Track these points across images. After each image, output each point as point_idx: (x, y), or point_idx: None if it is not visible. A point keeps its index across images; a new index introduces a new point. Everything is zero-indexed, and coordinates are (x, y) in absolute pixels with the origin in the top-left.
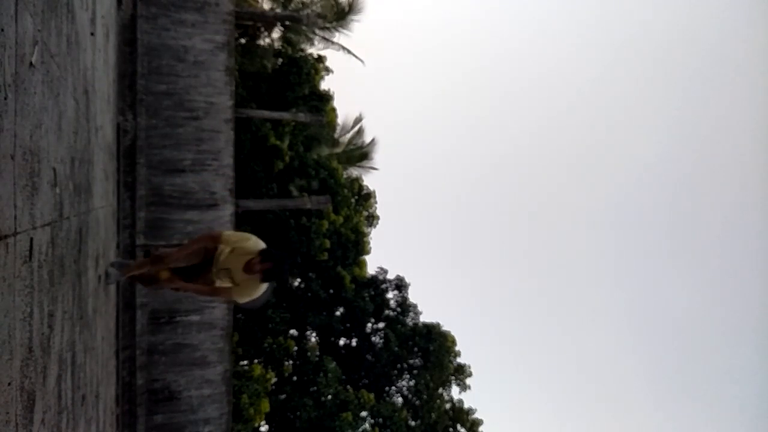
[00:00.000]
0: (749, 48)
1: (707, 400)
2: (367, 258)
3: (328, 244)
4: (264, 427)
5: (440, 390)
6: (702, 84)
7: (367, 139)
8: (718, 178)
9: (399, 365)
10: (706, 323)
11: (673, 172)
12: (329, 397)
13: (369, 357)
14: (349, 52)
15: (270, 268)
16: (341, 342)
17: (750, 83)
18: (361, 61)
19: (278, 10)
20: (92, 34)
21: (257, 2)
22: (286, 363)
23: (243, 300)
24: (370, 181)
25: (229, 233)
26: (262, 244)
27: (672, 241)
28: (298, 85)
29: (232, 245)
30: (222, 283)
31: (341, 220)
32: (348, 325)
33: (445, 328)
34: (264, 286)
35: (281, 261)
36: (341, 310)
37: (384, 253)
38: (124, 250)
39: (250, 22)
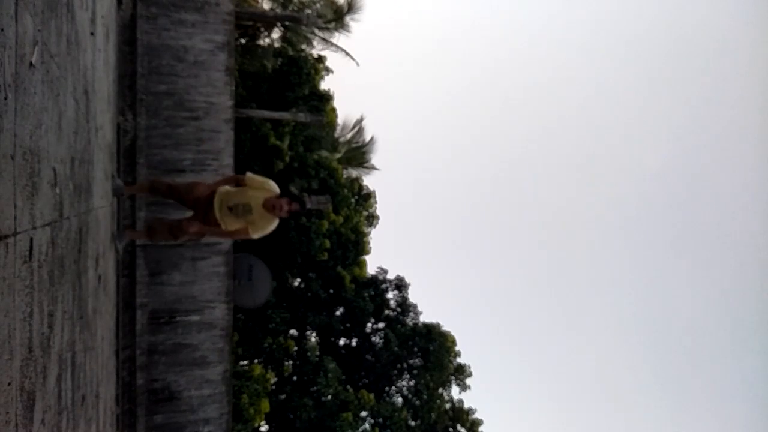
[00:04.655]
0: (755, 51)
1: (709, 401)
2: (367, 258)
3: (328, 244)
4: (264, 427)
5: (440, 390)
6: (708, 89)
7: (367, 139)
8: (723, 183)
9: (399, 365)
10: (709, 324)
11: (678, 175)
12: (329, 397)
13: (369, 357)
14: (346, 53)
15: (297, 210)
16: (341, 342)
17: (756, 87)
18: (356, 62)
19: (278, 10)
20: (92, 34)
21: (257, 2)
22: (286, 363)
23: (257, 235)
24: (370, 181)
25: (253, 175)
26: (277, 188)
27: (675, 241)
28: (298, 85)
29: (256, 186)
30: (225, 220)
31: (341, 220)
32: (348, 325)
33: (445, 328)
34: (276, 223)
35: (304, 204)
36: (341, 310)
37: (384, 253)
38: (121, 238)
39: (250, 22)
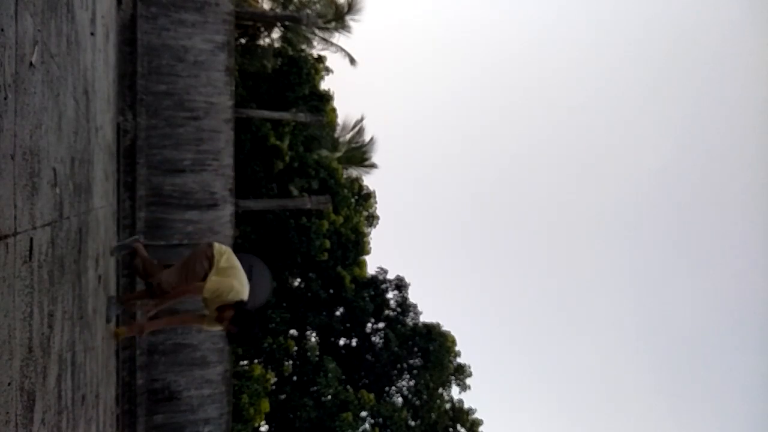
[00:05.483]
0: (755, 52)
1: (709, 401)
2: (367, 258)
3: (328, 244)
4: (264, 427)
5: (440, 390)
6: (709, 89)
7: (367, 138)
8: (724, 185)
9: (399, 365)
10: (709, 324)
11: (679, 178)
12: (329, 397)
13: (369, 357)
14: (345, 53)
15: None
16: (341, 342)
17: (756, 87)
18: (353, 62)
19: (278, 10)
20: (92, 34)
21: (257, 2)
22: (286, 363)
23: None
24: (370, 181)
25: (224, 265)
26: (244, 294)
27: (676, 242)
28: (298, 85)
29: (213, 297)
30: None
31: (341, 220)
32: (348, 325)
33: (445, 328)
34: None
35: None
36: (341, 310)
37: (384, 253)
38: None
39: (250, 22)
